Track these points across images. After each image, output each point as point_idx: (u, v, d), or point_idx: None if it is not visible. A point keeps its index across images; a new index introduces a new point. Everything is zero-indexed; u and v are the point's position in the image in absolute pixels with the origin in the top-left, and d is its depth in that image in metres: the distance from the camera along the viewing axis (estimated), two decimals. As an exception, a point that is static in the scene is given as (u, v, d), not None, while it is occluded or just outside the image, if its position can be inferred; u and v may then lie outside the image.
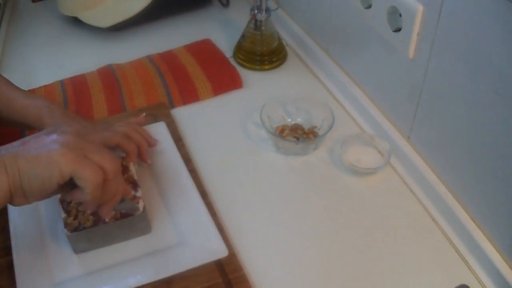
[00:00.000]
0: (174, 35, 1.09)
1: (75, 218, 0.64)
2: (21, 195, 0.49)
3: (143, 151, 0.73)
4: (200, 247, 0.65)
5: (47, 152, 0.48)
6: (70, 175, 0.49)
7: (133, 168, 0.71)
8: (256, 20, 0.95)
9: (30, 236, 0.67)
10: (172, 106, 0.90)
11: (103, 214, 0.57)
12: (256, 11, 0.94)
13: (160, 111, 0.87)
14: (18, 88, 0.73)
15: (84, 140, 0.52)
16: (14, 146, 0.50)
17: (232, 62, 1.00)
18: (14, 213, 0.69)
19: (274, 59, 0.99)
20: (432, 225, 0.70)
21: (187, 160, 0.77)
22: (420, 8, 0.65)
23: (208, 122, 0.87)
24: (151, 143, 0.76)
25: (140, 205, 0.65)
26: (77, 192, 0.51)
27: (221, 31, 1.10)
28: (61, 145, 0.49)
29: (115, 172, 0.53)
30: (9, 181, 0.48)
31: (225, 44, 1.05)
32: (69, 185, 0.52)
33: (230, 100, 0.92)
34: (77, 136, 0.51)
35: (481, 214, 0.65)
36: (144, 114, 0.82)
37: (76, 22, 1.11)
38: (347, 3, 0.82)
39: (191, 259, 0.64)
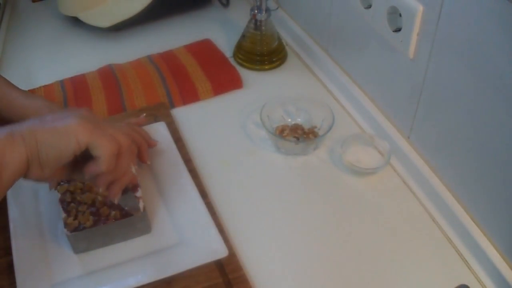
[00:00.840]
0: (174, 35, 1.09)
1: (75, 218, 0.64)
2: (37, 165, 0.49)
3: (143, 152, 0.73)
4: (200, 247, 0.65)
5: (64, 124, 0.49)
6: (87, 145, 0.50)
7: (133, 168, 0.71)
8: (256, 20, 0.95)
9: (30, 236, 0.67)
10: (172, 106, 0.90)
11: (112, 194, 0.57)
12: (256, 11, 0.94)
13: (160, 111, 0.87)
14: (18, 88, 0.73)
15: (96, 116, 0.54)
16: (31, 121, 0.51)
17: (232, 62, 1.00)
18: (14, 213, 0.69)
19: (274, 59, 0.99)
20: (432, 225, 0.70)
21: (187, 160, 0.77)
22: (420, 8, 0.65)
23: (208, 122, 0.87)
24: (150, 143, 0.76)
25: (140, 205, 0.65)
26: (91, 164, 0.52)
27: (221, 31, 1.10)
28: (78, 117, 0.50)
29: (128, 145, 0.54)
30: (26, 151, 0.48)
31: (225, 44, 1.05)
32: (81, 165, 0.53)
33: (230, 100, 0.92)
34: (90, 113, 0.53)
35: (481, 214, 0.65)
36: (144, 114, 0.82)
37: (76, 22, 1.11)
38: (347, 3, 0.82)
39: (191, 259, 0.64)
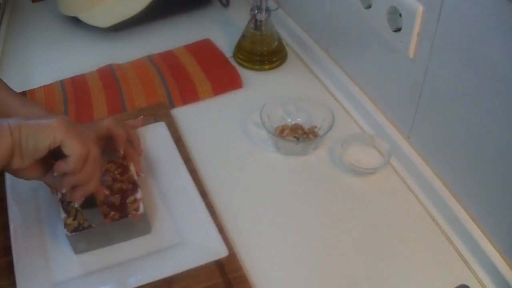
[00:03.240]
0: (174, 35, 1.09)
1: (75, 218, 0.64)
2: (19, 154, 0.55)
3: (135, 164, 0.73)
4: (200, 247, 0.65)
5: (46, 121, 0.56)
6: (61, 142, 0.55)
7: (133, 168, 0.71)
8: (256, 20, 0.95)
9: (30, 236, 0.67)
10: (172, 106, 0.90)
11: (73, 197, 0.60)
12: (256, 11, 0.94)
13: (160, 111, 0.87)
14: (16, 94, 0.73)
15: (76, 125, 0.59)
16: (17, 117, 0.57)
17: (232, 62, 1.00)
18: (14, 213, 0.69)
19: (274, 59, 0.99)
20: (432, 225, 0.70)
21: (187, 160, 0.77)
22: (420, 8, 0.65)
23: (208, 122, 0.87)
24: (137, 150, 0.76)
25: (140, 207, 0.65)
26: (61, 162, 0.57)
27: (221, 31, 1.10)
28: (59, 118, 0.56)
29: (96, 156, 0.59)
30: (12, 140, 0.54)
31: (225, 44, 1.05)
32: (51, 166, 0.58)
33: (230, 100, 0.92)
34: (72, 121, 0.59)
35: (481, 214, 0.65)
36: (142, 117, 0.82)
37: (76, 22, 1.11)
38: (347, 3, 0.82)
39: (191, 259, 0.64)
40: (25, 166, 0.56)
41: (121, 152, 0.71)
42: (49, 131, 0.55)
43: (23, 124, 0.55)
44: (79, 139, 0.56)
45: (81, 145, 0.56)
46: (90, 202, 0.61)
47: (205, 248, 0.65)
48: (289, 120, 0.85)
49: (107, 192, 0.66)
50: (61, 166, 0.57)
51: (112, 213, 0.65)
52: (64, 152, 0.56)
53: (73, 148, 0.56)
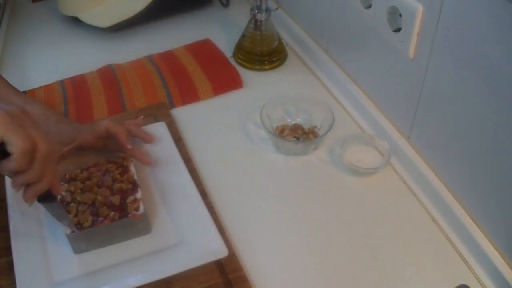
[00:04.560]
0: (174, 35, 1.09)
1: (75, 216, 0.64)
2: None
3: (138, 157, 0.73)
4: (200, 247, 0.65)
5: None
6: (2, 139, 0.50)
7: (133, 168, 0.71)
8: (256, 20, 0.95)
9: (30, 236, 0.67)
10: (172, 106, 0.90)
11: (24, 197, 0.56)
12: (256, 11, 0.94)
13: (160, 111, 0.87)
14: (16, 91, 0.73)
15: (28, 118, 0.53)
16: None
17: (232, 62, 1.00)
18: (14, 213, 0.69)
19: (274, 59, 0.99)
20: (432, 225, 0.70)
21: (187, 160, 0.77)
22: (420, 8, 0.65)
23: (208, 122, 0.88)
24: (148, 138, 0.76)
25: (140, 207, 0.65)
26: (6, 161, 0.52)
27: (221, 31, 1.10)
28: (3, 111, 0.51)
29: (47, 152, 0.53)
30: None
31: (225, 44, 1.05)
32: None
33: (230, 100, 0.92)
34: (23, 112, 0.53)
35: (481, 214, 0.65)
36: (142, 116, 0.82)
37: (76, 22, 1.12)
38: (347, 3, 0.82)
39: (191, 259, 0.64)
40: None
41: (129, 146, 0.71)
42: None
43: None
44: (21, 134, 0.50)
45: (22, 140, 0.50)
46: (48, 196, 0.58)
47: (205, 248, 0.65)
48: (289, 120, 0.85)
49: (63, 193, 0.63)
50: (6, 165, 0.52)
51: (112, 213, 0.65)
52: (8, 150, 0.51)
53: (13, 144, 0.50)
